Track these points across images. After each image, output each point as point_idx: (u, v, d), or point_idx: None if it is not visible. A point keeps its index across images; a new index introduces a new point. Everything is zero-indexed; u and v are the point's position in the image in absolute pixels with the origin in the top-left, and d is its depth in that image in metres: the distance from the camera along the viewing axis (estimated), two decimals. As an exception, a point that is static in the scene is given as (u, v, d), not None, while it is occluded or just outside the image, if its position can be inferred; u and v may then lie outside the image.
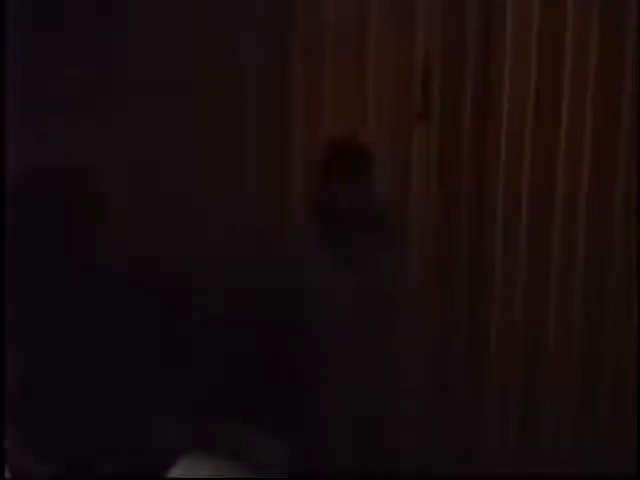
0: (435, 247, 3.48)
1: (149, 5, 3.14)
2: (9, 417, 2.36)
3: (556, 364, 3.48)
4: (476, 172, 3.45)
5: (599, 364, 3.47)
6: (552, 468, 3.38)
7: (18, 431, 2.40)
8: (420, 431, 3.44)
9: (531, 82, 3.39)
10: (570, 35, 3.34)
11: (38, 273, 2.61)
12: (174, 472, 2.44)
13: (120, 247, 2.89)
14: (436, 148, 3.45)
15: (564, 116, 3.38)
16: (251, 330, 3.27)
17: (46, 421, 2.49)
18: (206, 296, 3.30)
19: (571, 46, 3.34)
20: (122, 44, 3.13)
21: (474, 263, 3.48)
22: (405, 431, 3.33)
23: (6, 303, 2.44)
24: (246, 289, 3.36)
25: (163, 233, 3.15)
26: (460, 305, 3.50)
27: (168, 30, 3.15)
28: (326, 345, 2.99)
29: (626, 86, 3.34)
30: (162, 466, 2.43)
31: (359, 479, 3.02)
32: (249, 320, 3.29)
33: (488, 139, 3.43)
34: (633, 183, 3.37)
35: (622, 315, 3.40)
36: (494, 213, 3.46)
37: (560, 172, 3.43)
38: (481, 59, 3.40)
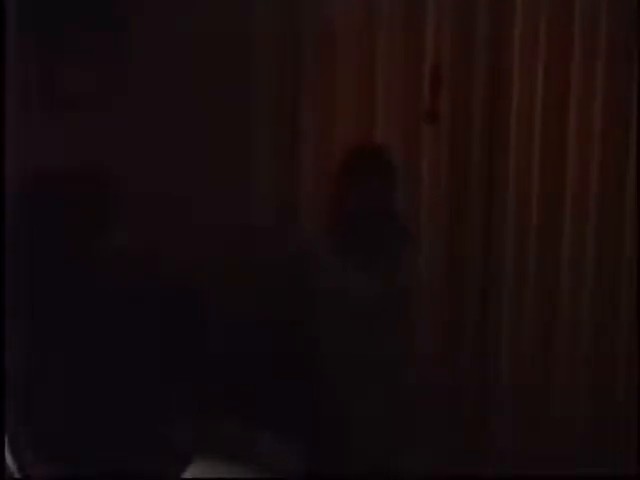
0: (445, 248, 3.46)
1: (159, 4, 3.15)
2: (17, 418, 2.36)
3: (566, 364, 3.46)
4: (485, 172, 3.44)
5: (609, 364, 3.44)
6: (555, 469, 3.36)
7: (25, 432, 2.39)
8: (431, 431, 3.43)
9: (539, 81, 3.37)
10: (578, 34, 3.33)
11: (50, 274, 2.60)
12: (188, 474, 2.44)
13: (129, 248, 2.89)
14: (446, 148, 3.44)
15: (572, 116, 3.37)
16: (265, 331, 3.27)
17: (54, 421, 2.48)
18: (218, 296, 3.29)
19: (579, 45, 3.32)
20: (129, 45, 3.14)
21: (484, 263, 3.46)
22: (416, 431, 3.31)
23: (9, 303, 2.44)
24: (259, 289, 3.36)
25: (173, 233, 3.15)
26: (470, 305, 3.48)
27: (177, 30, 3.17)
28: (339, 345, 2.98)
29: (635, 83, 3.31)
30: (173, 468, 2.43)
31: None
32: (262, 321, 3.28)
33: (497, 139, 3.42)
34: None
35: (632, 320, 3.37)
36: (504, 213, 3.44)
37: (569, 172, 3.41)
38: (490, 59, 3.39)
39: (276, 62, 3.31)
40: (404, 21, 3.38)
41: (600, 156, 3.38)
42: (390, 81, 3.41)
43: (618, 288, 3.42)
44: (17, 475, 2.31)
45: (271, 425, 2.76)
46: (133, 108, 3.11)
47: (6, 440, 2.29)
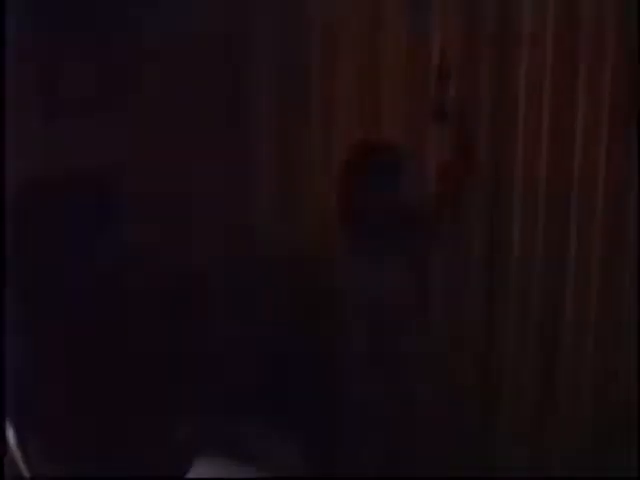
0: (451, 247, 3.46)
1: (164, 4, 3.16)
2: (24, 418, 2.37)
3: (572, 364, 3.44)
4: (492, 171, 3.43)
5: (616, 361, 3.42)
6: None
7: (32, 431, 2.41)
8: (437, 434, 3.44)
9: (547, 79, 3.35)
10: (586, 27, 3.29)
11: (56, 274, 2.62)
12: (191, 473, 2.46)
13: (135, 248, 2.90)
14: (452, 147, 3.43)
15: (580, 112, 3.34)
16: (272, 332, 3.28)
17: (60, 420, 2.50)
18: (228, 297, 3.31)
19: (586, 39, 3.29)
20: (130, 47, 3.15)
21: (491, 262, 3.45)
22: (422, 433, 3.32)
23: (11, 302, 2.46)
24: (270, 290, 3.37)
25: (178, 234, 3.16)
26: (476, 304, 3.47)
27: (183, 30, 3.17)
28: (351, 345, 2.99)
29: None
30: (179, 466, 2.45)
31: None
32: (271, 321, 3.29)
33: (504, 137, 3.40)
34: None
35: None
36: (510, 212, 3.42)
37: (576, 169, 3.38)
38: (497, 55, 3.37)
39: (278, 60, 3.32)
40: (410, 16, 3.37)
41: (609, 150, 3.35)
42: (396, 77, 3.41)
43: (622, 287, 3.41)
44: (26, 474, 2.33)
45: (274, 424, 2.79)
46: (133, 109, 3.12)
47: (13, 439, 2.32)
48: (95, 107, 3.04)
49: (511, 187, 3.42)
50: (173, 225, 3.13)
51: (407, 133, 3.40)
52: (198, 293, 3.15)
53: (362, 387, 3.04)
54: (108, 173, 2.75)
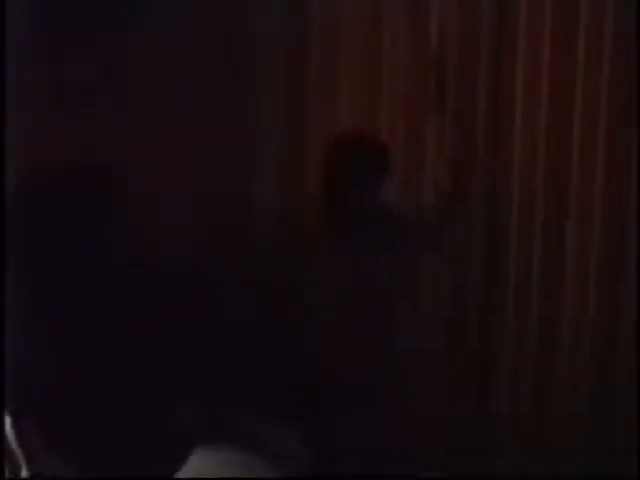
0: (449, 242, 3.45)
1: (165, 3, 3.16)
2: (26, 413, 2.36)
3: (571, 363, 3.44)
4: (490, 164, 3.42)
5: (613, 359, 3.42)
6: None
7: (34, 426, 2.40)
8: (429, 428, 3.43)
9: (544, 69, 3.34)
10: (584, 14, 3.28)
11: (55, 271, 2.60)
12: (191, 461, 2.46)
13: (134, 241, 2.89)
14: (450, 140, 3.42)
15: (578, 103, 3.33)
16: (269, 326, 3.28)
17: (61, 415, 2.49)
18: (227, 292, 3.31)
19: (585, 27, 3.28)
20: (135, 45, 3.14)
21: (488, 258, 3.45)
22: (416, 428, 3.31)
23: (14, 301, 2.44)
24: (260, 287, 3.37)
25: (175, 227, 3.16)
26: (473, 304, 3.47)
27: (184, 23, 3.17)
28: (338, 342, 2.98)
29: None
30: (180, 454, 2.44)
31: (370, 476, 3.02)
32: (263, 317, 3.30)
33: (502, 131, 3.40)
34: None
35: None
36: (509, 208, 3.42)
37: (575, 164, 3.38)
38: (494, 49, 3.36)
39: (279, 58, 3.31)
40: (408, 8, 3.36)
41: (607, 144, 3.35)
42: (394, 69, 3.40)
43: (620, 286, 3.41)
44: (26, 472, 2.32)
45: (281, 418, 2.79)
46: (134, 104, 3.11)
47: (14, 436, 2.31)
48: (95, 107, 3.04)
49: (509, 183, 3.42)
50: (173, 224, 3.13)
51: (406, 129, 3.40)
52: (198, 290, 3.15)
53: (360, 384, 3.04)
54: (109, 172, 2.73)
